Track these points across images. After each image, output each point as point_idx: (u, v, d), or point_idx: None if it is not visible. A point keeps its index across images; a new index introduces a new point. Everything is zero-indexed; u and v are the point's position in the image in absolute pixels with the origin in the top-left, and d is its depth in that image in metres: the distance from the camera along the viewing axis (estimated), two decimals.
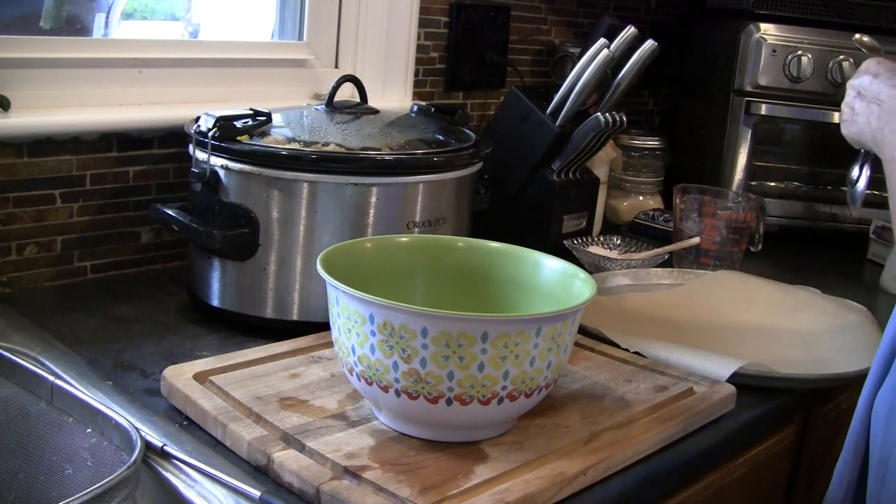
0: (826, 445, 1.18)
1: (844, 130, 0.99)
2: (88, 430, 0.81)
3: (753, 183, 1.75)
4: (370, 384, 0.79)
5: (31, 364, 0.88)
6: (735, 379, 0.99)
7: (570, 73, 1.39)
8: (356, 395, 0.88)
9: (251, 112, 1.09)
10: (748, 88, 1.70)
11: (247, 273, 1.06)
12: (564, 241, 1.40)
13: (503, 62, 1.70)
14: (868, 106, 0.94)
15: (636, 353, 1.05)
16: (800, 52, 1.67)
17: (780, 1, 1.71)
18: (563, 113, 1.39)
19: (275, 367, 0.92)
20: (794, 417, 1.12)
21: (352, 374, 0.81)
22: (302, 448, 0.77)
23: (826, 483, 0.96)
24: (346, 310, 0.78)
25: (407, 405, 0.78)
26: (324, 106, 1.19)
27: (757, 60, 1.69)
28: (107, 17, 1.36)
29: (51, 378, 0.85)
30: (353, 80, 1.23)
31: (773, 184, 1.79)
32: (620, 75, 1.41)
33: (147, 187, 1.24)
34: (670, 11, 2.05)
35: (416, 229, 1.09)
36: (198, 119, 1.09)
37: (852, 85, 0.98)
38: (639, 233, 1.65)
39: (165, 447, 0.78)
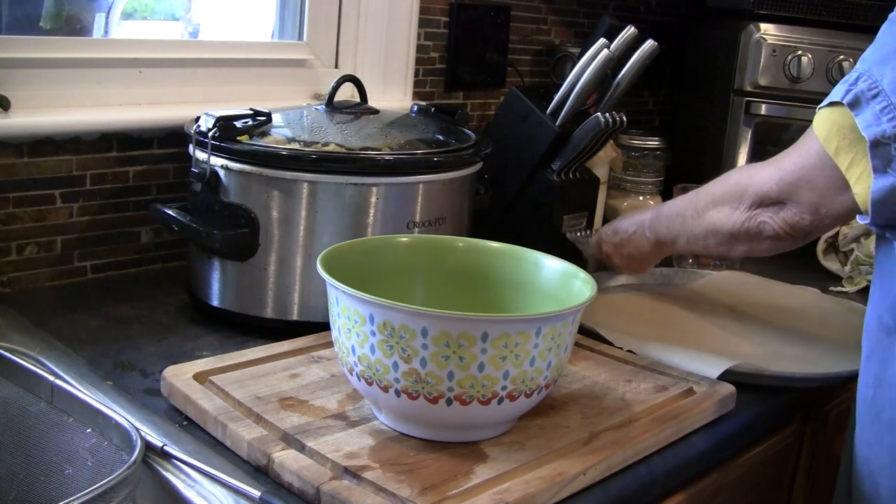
0: (826, 445, 1.18)
1: (634, 266, 1.29)
2: (88, 430, 0.81)
3: None
4: (370, 384, 0.79)
5: (31, 364, 0.88)
6: (733, 378, 1.00)
7: (570, 73, 1.39)
8: (356, 395, 0.88)
9: (251, 112, 1.09)
10: (748, 88, 1.70)
11: (247, 273, 1.06)
12: (567, 234, 1.41)
13: (503, 62, 1.70)
14: (630, 240, 1.23)
15: (630, 351, 1.05)
16: (800, 52, 1.67)
17: (780, 1, 1.71)
18: (563, 113, 1.39)
19: (275, 367, 0.92)
20: (794, 417, 1.12)
21: (352, 374, 0.81)
22: (302, 448, 0.77)
23: (825, 482, 0.96)
24: (346, 310, 0.78)
25: (407, 405, 0.78)
26: (324, 106, 1.19)
27: (757, 60, 1.69)
28: (107, 17, 1.36)
29: (51, 378, 0.85)
30: (353, 80, 1.23)
31: None
32: (620, 75, 1.41)
33: (147, 187, 1.24)
34: (670, 11, 2.05)
35: (416, 229, 1.09)
36: (198, 119, 1.09)
37: (608, 247, 1.27)
38: None
39: (165, 447, 0.78)
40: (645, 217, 1.22)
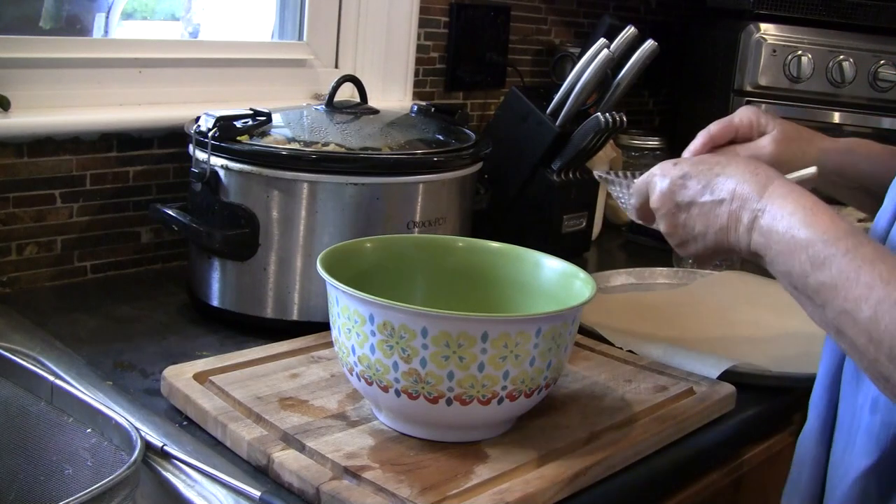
0: None
1: (691, 251, 0.82)
2: (88, 430, 0.81)
3: None
4: (370, 384, 0.79)
5: (31, 364, 0.88)
6: (732, 378, 1.00)
7: (570, 73, 1.39)
8: (356, 395, 0.88)
9: (251, 112, 1.09)
10: (748, 88, 1.71)
11: (247, 273, 1.06)
12: (595, 173, 1.04)
13: (503, 62, 1.70)
14: (708, 212, 0.77)
15: (630, 351, 1.05)
16: (800, 52, 1.67)
17: (780, 1, 1.71)
18: (563, 113, 1.39)
19: (275, 367, 0.92)
20: (794, 417, 1.12)
21: (352, 374, 0.81)
22: (302, 448, 0.77)
23: None
24: (346, 310, 0.78)
25: (407, 405, 0.78)
26: (324, 106, 1.19)
27: (757, 60, 1.69)
28: (107, 17, 1.36)
29: (51, 378, 0.85)
30: (353, 80, 1.23)
31: None
32: (620, 75, 1.41)
33: (147, 187, 1.24)
34: (670, 11, 2.05)
35: (416, 229, 1.09)
36: (198, 119, 1.09)
37: (663, 205, 0.81)
38: (639, 233, 1.64)
39: (165, 447, 0.78)
40: (756, 206, 0.73)
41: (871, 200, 0.93)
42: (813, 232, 0.67)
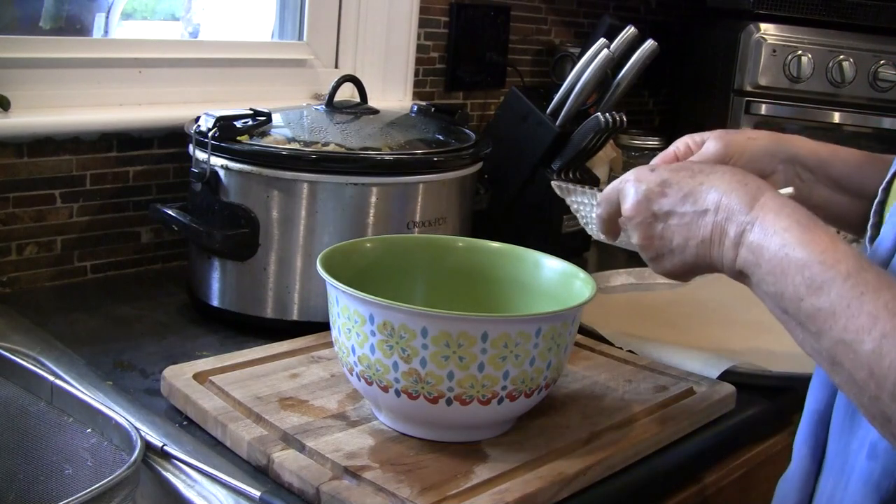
0: None
1: (667, 266, 0.73)
2: (88, 430, 0.81)
3: None
4: (370, 384, 0.79)
5: (31, 364, 0.88)
6: (732, 378, 1.00)
7: (570, 73, 1.39)
8: (356, 395, 0.88)
9: (251, 112, 1.09)
10: (748, 88, 1.71)
11: (247, 273, 1.06)
12: (553, 183, 0.96)
13: (503, 62, 1.70)
14: (689, 223, 0.70)
15: (630, 351, 1.05)
16: (800, 52, 1.67)
17: (780, 1, 1.71)
18: (563, 113, 1.39)
19: (275, 367, 0.92)
20: (794, 417, 1.12)
21: (352, 374, 0.81)
22: (302, 448, 0.77)
23: None
24: (346, 310, 0.78)
25: (407, 405, 0.78)
26: (324, 106, 1.19)
27: (757, 60, 1.69)
28: (107, 17, 1.36)
29: (51, 378, 0.85)
30: (353, 80, 1.23)
31: None
32: (620, 75, 1.41)
33: (147, 187, 1.24)
34: (670, 11, 2.05)
35: (416, 229, 1.09)
36: (198, 119, 1.09)
37: (637, 213, 0.73)
38: None
39: (165, 447, 0.78)
40: (744, 219, 0.66)
41: (831, 194, 0.87)
42: (810, 252, 0.60)
